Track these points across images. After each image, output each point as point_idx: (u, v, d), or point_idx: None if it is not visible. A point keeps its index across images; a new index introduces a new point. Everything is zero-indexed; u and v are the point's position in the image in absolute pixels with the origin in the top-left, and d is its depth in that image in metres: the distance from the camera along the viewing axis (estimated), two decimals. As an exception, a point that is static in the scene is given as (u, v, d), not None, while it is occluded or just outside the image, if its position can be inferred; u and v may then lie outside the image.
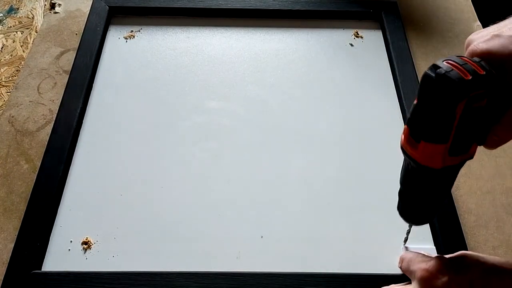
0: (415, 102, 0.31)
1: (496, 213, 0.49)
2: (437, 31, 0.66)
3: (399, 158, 0.52)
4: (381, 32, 0.65)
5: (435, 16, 0.68)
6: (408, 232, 0.45)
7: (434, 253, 0.45)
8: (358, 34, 0.65)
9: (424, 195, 0.36)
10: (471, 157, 0.32)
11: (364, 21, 0.66)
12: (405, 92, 0.56)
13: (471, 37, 0.32)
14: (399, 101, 0.57)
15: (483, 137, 0.32)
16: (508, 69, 0.28)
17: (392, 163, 0.52)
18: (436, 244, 0.46)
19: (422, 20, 0.67)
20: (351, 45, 0.64)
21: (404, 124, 0.52)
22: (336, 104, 0.57)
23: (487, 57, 0.29)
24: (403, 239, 0.45)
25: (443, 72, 0.28)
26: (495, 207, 0.49)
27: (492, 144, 0.32)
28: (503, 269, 0.34)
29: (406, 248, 0.45)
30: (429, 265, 0.36)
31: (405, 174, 0.36)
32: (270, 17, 0.66)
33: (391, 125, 0.55)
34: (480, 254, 0.36)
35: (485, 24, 0.67)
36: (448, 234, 0.46)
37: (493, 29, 0.31)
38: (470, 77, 0.27)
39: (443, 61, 0.29)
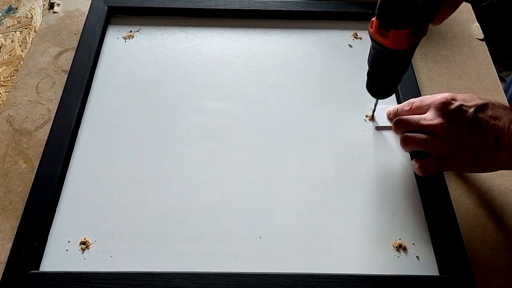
0: None
1: (494, 213, 0.49)
2: (436, 32, 0.66)
3: (400, 159, 0.52)
4: (380, 33, 0.65)
5: (434, 18, 0.68)
6: (375, 106, 0.54)
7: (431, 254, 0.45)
8: (357, 35, 0.65)
9: (391, 74, 0.46)
10: (425, 34, 0.41)
11: (363, 22, 0.66)
12: (403, 93, 0.57)
13: None
14: (397, 102, 0.57)
15: (432, 17, 0.41)
16: None
17: (392, 164, 0.52)
18: (434, 244, 0.46)
19: (420, 22, 0.68)
20: (350, 46, 0.64)
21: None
22: (335, 105, 0.57)
23: None
24: (371, 114, 0.55)
25: None
26: (493, 208, 0.49)
27: (437, 21, 0.42)
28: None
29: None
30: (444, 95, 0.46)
31: (374, 59, 0.45)
32: (269, 17, 0.66)
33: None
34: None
35: (483, 26, 0.67)
36: (446, 234, 0.46)
37: None
38: None
39: None
